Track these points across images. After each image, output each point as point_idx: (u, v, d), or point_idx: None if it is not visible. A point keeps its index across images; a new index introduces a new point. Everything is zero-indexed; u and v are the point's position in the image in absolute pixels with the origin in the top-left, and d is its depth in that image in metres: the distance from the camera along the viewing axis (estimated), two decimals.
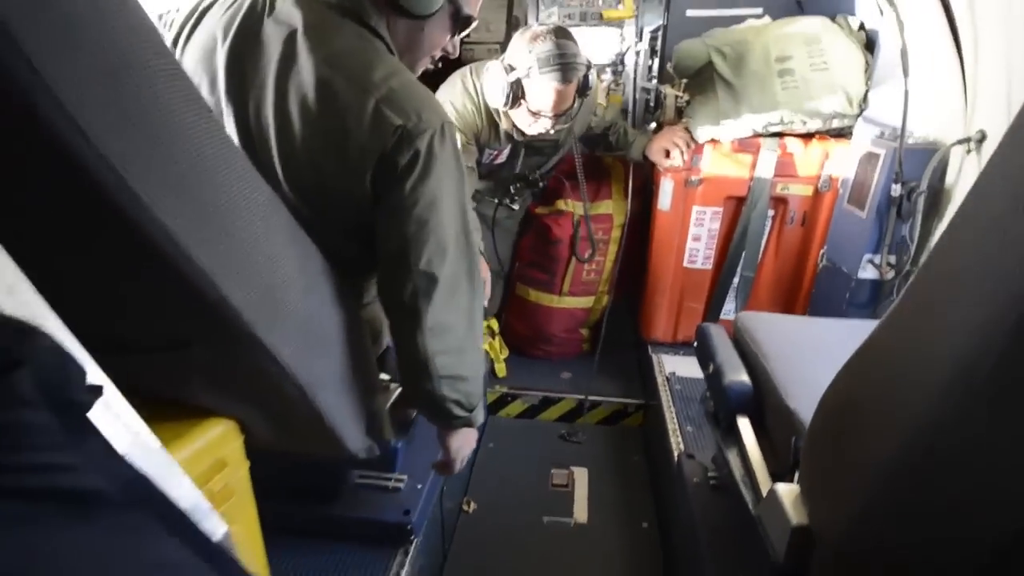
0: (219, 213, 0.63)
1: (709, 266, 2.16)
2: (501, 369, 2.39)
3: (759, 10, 2.23)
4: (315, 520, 1.32)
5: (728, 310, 2.19)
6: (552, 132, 1.77)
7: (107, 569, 0.41)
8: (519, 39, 1.66)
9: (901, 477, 0.67)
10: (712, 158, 1.99)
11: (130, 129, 0.51)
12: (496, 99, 1.68)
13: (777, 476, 1.05)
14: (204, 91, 0.89)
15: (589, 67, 1.68)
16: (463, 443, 1.17)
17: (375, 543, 1.31)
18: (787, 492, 0.91)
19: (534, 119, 1.70)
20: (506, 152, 1.95)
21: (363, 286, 1.07)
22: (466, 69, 1.82)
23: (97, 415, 0.46)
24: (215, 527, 0.62)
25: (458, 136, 1.70)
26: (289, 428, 0.92)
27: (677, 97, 2.00)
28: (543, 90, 1.62)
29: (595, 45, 2.85)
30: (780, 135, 1.94)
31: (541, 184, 2.22)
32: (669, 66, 2.20)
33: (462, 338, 1.00)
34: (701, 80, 1.91)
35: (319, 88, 0.83)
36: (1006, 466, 0.56)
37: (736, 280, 2.13)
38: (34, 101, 0.45)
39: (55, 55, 0.45)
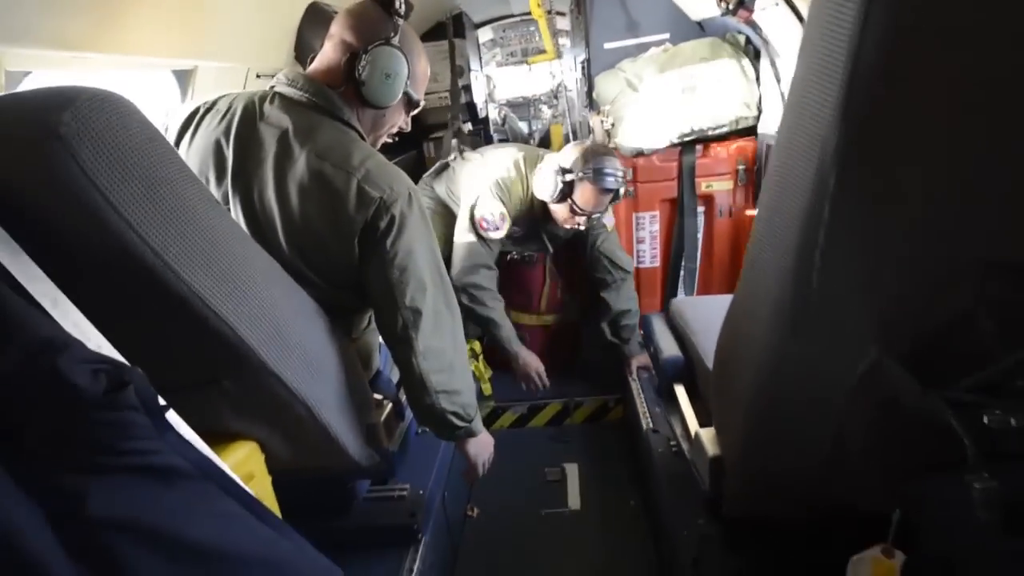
0: (231, 274, 0.85)
1: (657, 263, 2.42)
2: (487, 388, 2.57)
3: (666, 35, 2.52)
4: (332, 532, 1.50)
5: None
6: (581, 227, 2.05)
7: (189, 518, 0.63)
8: (575, 149, 1.95)
9: (760, 399, 0.88)
10: (642, 170, 2.26)
11: (167, 226, 0.75)
12: (545, 193, 1.97)
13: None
14: (214, 182, 1.12)
15: (625, 178, 1.98)
16: (479, 449, 1.38)
17: (388, 546, 1.49)
18: (705, 433, 1.13)
19: (571, 216, 1.99)
20: (521, 233, 2.20)
21: (352, 322, 1.29)
22: (520, 156, 2.10)
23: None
24: None
25: (500, 205, 2.00)
26: (302, 444, 1.12)
27: (602, 122, 2.28)
28: (592, 193, 1.91)
29: (532, 81, 3.16)
30: (696, 142, 2.21)
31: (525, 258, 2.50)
32: (595, 94, 2.49)
33: (451, 357, 1.23)
34: (620, 106, 2.19)
35: (312, 176, 1.06)
36: (810, 373, 0.79)
37: (682, 272, 2.38)
38: (104, 216, 0.69)
39: (116, 182, 0.69)
